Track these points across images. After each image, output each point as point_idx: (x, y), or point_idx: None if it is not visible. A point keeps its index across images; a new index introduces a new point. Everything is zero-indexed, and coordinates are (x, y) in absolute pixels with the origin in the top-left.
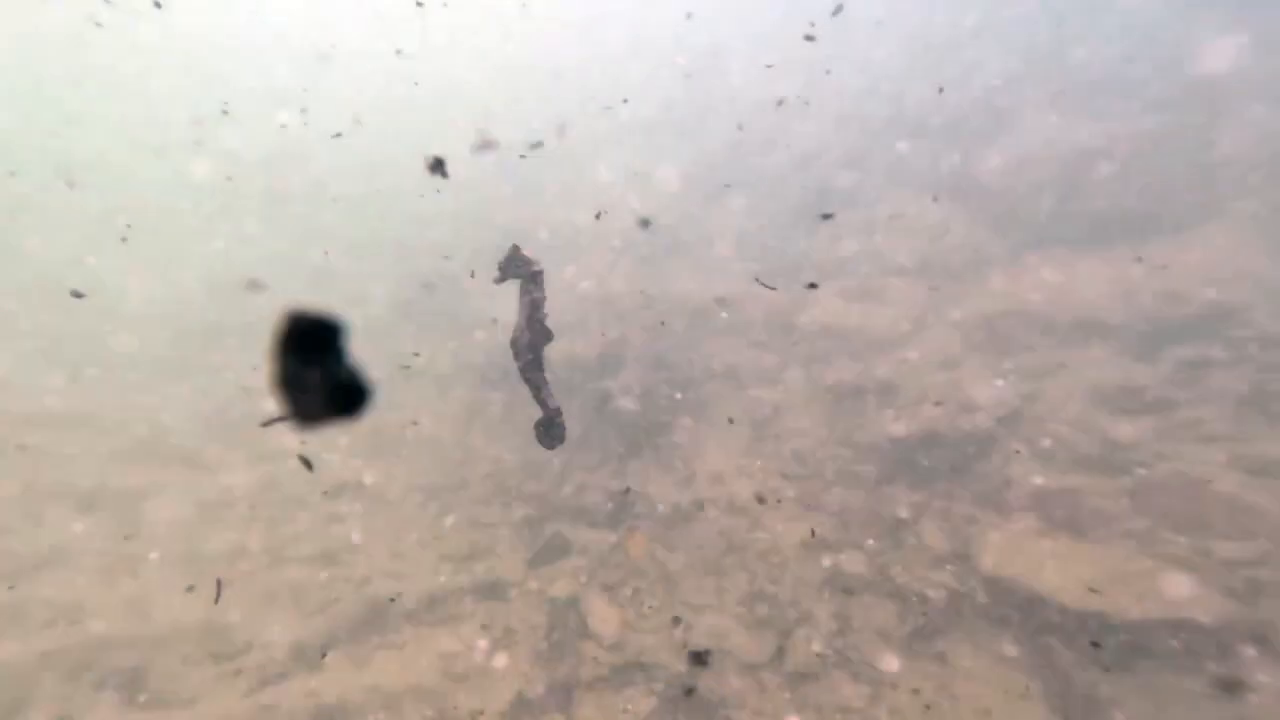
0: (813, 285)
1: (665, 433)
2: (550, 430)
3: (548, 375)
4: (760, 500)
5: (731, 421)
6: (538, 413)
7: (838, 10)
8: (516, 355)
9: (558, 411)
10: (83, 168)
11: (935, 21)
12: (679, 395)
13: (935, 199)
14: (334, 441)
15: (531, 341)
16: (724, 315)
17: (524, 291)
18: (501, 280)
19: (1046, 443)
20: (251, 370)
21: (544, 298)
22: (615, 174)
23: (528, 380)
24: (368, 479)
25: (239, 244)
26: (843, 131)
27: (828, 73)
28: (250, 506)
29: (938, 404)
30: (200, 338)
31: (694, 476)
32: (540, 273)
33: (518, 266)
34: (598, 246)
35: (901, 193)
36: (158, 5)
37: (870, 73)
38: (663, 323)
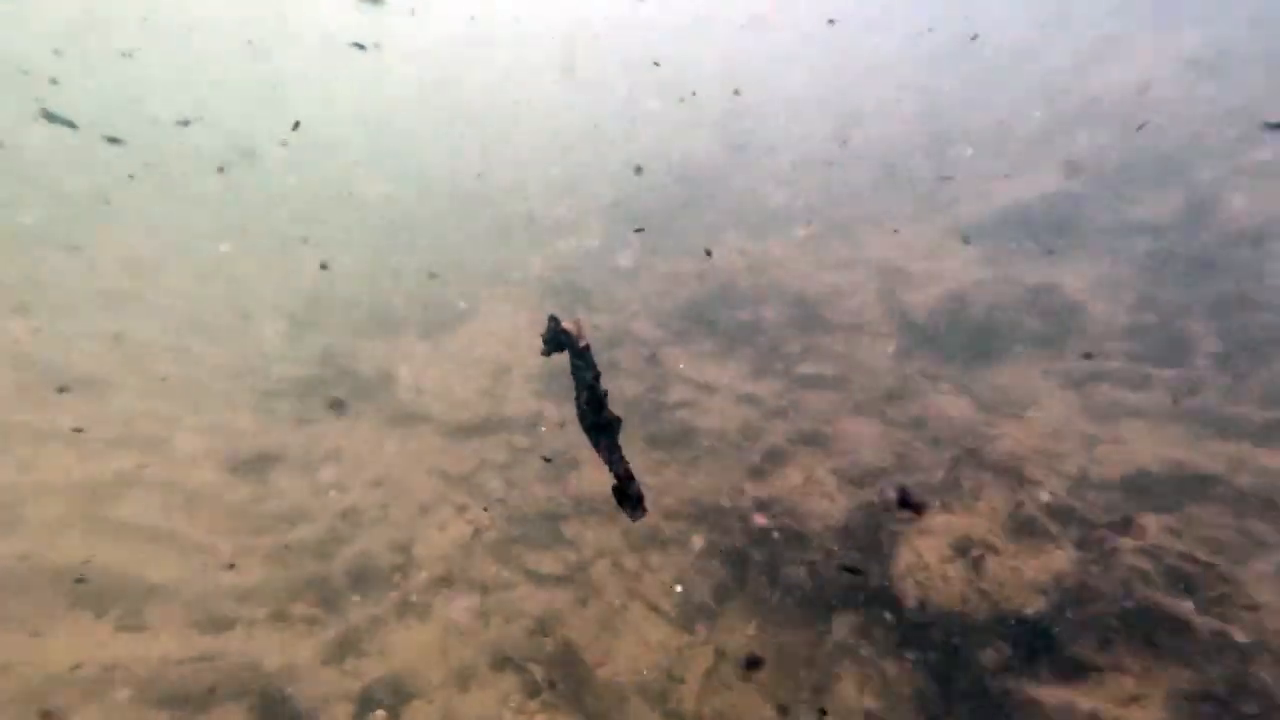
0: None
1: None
2: (626, 498)
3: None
4: None
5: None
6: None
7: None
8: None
9: (630, 477)
10: None
11: None
12: (1078, 634)
13: None
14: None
15: (596, 423)
16: (1124, 446)
17: (575, 370)
18: (548, 353)
19: None
20: None
21: (598, 374)
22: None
23: (605, 459)
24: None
25: None
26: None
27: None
28: None
29: None
30: None
31: None
32: (587, 348)
33: (555, 340)
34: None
35: None
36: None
37: None
38: (993, 444)
